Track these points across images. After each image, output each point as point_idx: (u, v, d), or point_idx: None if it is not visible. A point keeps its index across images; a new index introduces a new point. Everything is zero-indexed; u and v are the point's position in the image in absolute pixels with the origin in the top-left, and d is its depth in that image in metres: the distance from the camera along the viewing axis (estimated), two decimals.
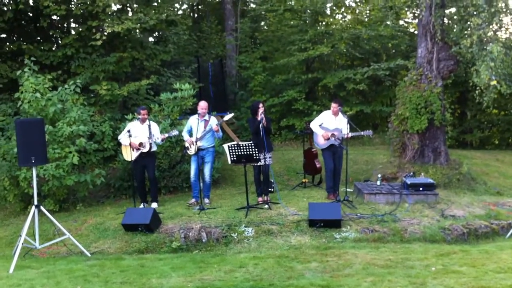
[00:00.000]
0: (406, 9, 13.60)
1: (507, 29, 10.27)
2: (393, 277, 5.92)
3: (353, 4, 22.16)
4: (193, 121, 9.66)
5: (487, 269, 6.13)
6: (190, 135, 9.65)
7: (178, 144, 11.44)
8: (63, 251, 7.95)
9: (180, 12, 24.07)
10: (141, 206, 9.72)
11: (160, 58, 14.94)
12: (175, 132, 9.76)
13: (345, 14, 22.18)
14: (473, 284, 5.53)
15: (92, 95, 13.54)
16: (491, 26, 9.75)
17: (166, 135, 9.69)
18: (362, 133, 9.51)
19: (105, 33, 13.33)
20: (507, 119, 18.89)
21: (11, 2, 12.88)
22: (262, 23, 23.74)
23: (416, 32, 13.54)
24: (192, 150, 9.59)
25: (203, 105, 9.61)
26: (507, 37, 10.18)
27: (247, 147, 8.63)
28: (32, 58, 10.83)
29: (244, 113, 18.69)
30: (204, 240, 7.96)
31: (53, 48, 14.16)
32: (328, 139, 9.46)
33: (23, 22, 14.21)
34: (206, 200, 9.76)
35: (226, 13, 21.81)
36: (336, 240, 7.83)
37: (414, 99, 10.81)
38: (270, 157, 9.39)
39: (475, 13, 9.85)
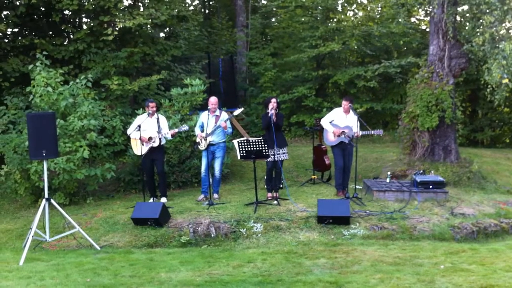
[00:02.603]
0: (418, 6, 13.49)
1: None
2: (402, 274, 5.92)
3: (365, 1, 22.06)
4: (204, 117, 9.69)
5: (496, 267, 6.11)
6: (202, 131, 9.68)
7: (188, 139, 11.49)
8: (73, 244, 8.01)
9: (191, 8, 24.22)
10: (151, 200, 9.77)
11: (170, 53, 15.00)
12: (185, 127, 9.78)
13: (356, 11, 22.06)
14: (481, 283, 5.51)
15: (103, 90, 13.60)
16: (503, 24, 9.70)
17: (176, 130, 9.71)
18: (372, 132, 9.41)
19: (117, 28, 13.40)
20: None
21: None
22: (273, 20, 23.71)
23: (427, 30, 13.49)
24: (202, 145, 9.62)
25: (213, 100, 9.64)
26: None
27: (257, 143, 8.64)
28: (44, 53, 10.90)
29: (253, 109, 18.70)
30: (212, 235, 7.99)
31: (65, 43, 14.21)
32: (339, 136, 9.45)
33: (35, 16, 14.26)
34: (215, 195, 9.79)
35: (237, 9, 21.82)
36: (345, 236, 7.83)
37: (425, 96, 10.76)
38: (284, 153, 9.43)
39: (487, 11, 9.79)
